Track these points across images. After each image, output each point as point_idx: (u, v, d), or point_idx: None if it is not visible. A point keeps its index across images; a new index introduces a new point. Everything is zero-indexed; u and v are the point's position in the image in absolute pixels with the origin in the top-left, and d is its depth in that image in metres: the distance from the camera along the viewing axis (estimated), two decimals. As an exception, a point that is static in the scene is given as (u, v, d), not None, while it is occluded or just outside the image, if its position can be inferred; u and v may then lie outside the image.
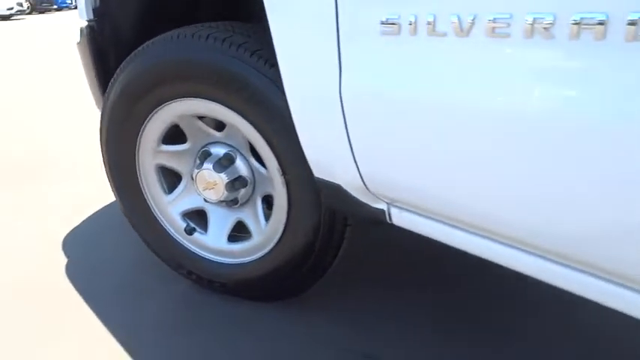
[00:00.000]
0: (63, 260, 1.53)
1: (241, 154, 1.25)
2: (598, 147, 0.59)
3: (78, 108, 2.00)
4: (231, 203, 1.30)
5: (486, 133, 0.69)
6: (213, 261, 1.36)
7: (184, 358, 1.20)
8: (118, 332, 1.28)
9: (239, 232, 1.35)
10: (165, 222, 1.38)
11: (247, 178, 1.26)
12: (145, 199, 1.38)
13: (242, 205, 1.31)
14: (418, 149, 0.78)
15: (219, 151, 1.26)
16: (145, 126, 1.27)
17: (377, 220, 0.95)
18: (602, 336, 1.23)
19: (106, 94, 1.30)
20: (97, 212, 1.73)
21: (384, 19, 0.73)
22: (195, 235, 1.36)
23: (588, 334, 1.24)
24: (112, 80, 1.27)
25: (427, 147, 0.77)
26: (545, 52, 0.58)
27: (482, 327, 1.30)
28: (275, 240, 1.24)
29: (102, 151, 1.38)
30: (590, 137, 0.59)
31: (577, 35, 0.55)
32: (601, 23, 0.53)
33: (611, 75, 0.56)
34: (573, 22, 0.55)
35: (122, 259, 1.54)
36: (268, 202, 1.28)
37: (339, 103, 0.83)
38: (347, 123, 0.84)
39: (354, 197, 0.94)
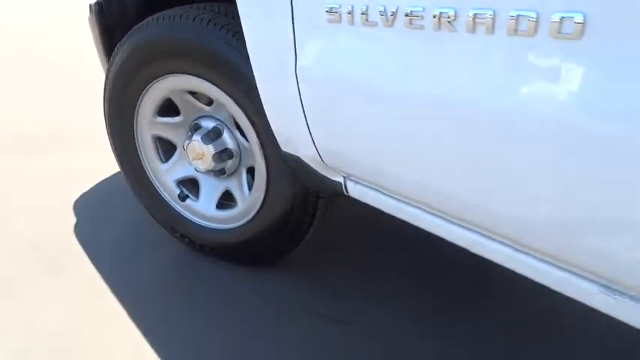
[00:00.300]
0: (72, 220, 1.67)
1: (228, 128, 1.35)
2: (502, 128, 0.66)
3: (91, 81, 2.13)
4: (219, 173, 1.40)
5: (411, 113, 0.76)
6: (203, 226, 1.47)
7: (175, 310, 1.34)
8: (118, 287, 1.41)
9: (227, 201, 1.45)
10: (161, 188, 1.50)
11: (233, 151, 1.36)
12: (143, 167, 1.50)
13: (229, 175, 1.41)
14: (361, 128, 0.86)
15: (208, 124, 1.36)
16: (142, 99, 1.37)
17: (335, 192, 1.04)
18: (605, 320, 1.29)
19: (108, 69, 1.41)
20: (104, 179, 1.87)
21: (328, 8, 0.80)
22: (188, 201, 1.48)
23: (588, 317, 1.29)
24: (112, 56, 1.38)
25: (368, 126, 0.85)
26: (449, 42, 0.65)
27: (451, 300, 1.38)
28: (257, 208, 1.34)
29: (105, 121, 1.50)
30: (493, 122, 0.66)
31: (473, 29, 0.62)
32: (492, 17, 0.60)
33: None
34: (470, 16, 0.62)
35: (124, 222, 1.68)
36: (252, 172, 1.37)
37: (296, 83, 0.91)
38: (302, 102, 0.92)
39: (314, 170, 1.03)
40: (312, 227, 1.33)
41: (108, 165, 1.84)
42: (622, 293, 0.66)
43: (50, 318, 1.30)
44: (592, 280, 0.69)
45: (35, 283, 1.42)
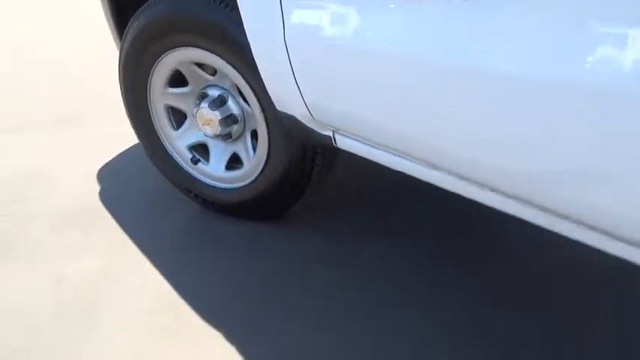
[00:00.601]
0: (96, 186, 1.84)
1: (232, 96, 1.48)
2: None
3: (111, 58, 2.28)
4: (226, 138, 1.54)
5: (389, 70, 0.89)
6: (214, 186, 1.62)
7: (189, 259, 1.50)
8: (139, 241, 1.58)
9: (234, 163, 1.60)
10: (174, 154, 1.65)
11: (238, 116, 1.50)
12: (158, 135, 1.64)
13: (235, 139, 1.55)
14: (343, 86, 0.99)
15: (214, 92, 1.49)
16: (153, 72, 1.51)
17: (326, 145, 1.17)
18: (605, 281, 1.39)
19: (121, 44, 1.54)
20: (125, 150, 2.04)
21: (308, -20, 0.92)
22: (199, 164, 1.62)
23: (587, 275, 1.41)
24: (125, 31, 1.52)
25: (349, 84, 0.97)
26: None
27: (441, 252, 1.52)
28: (260, 167, 1.48)
29: (121, 94, 1.64)
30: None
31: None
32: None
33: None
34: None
35: (143, 185, 1.84)
36: (256, 136, 1.51)
37: (285, 47, 1.04)
38: (292, 65, 1.05)
39: (306, 126, 1.16)
40: (311, 183, 1.47)
41: (128, 136, 2.01)
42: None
43: (78, 269, 1.47)
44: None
45: (64, 240, 1.59)
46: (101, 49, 2.76)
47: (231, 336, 1.27)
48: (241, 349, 1.23)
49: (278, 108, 1.20)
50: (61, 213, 1.71)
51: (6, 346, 1.25)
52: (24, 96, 2.59)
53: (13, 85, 2.73)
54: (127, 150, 2.05)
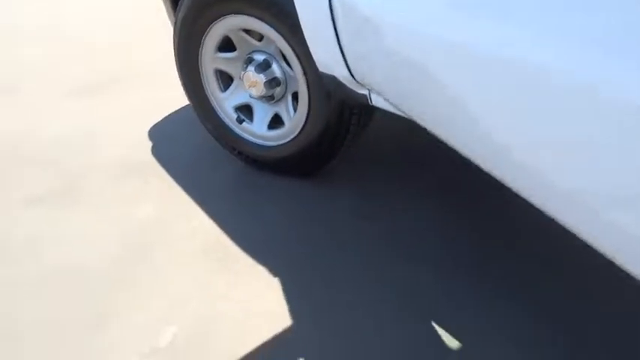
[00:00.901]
0: (149, 143, 2.03)
1: (276, 60, 1.63)
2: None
3: (162, 30, 2.46)
4: (269, 99, 1.70)
5: (431, 42, 1.01)
6: (257, 144, 1.78)
7: (239, 213, 1.69)
8: (191, 193, 1.76)
9: (275, 123, 1.75)
10: (221, 114, 1.81)
11: (281, 79, 1.65)
12: (207, 96, 1.81)
13: (278, 100, 1.71)
14: (383, 51, 1.12)
15: (259, 57, 1.64)
16: (205, 38, 1.67)
17: (362, 103, 1.32)
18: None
19: (176, 14, 1.70)
20: (175, 111, 2.23)
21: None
22: (244, 124, 1.78)
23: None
24: (179, 3, 1.67)
25: (389, 51, 1.10)
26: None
27: (466, 213, 1.66)
28: (300, 126, 1.64)
29: (175, 60, 1.81)
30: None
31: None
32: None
33: None
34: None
35: (192, 144, 2.02)
36: (297, 98, 1.66)
37: (330, 13, 1.17)
38: (337, 28, 1.19)
39: (345, 86, 1.30)
40: (346, 142, 1.62)
41: (175, 101, 2.19)
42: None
43: (136, 216, 1.67)
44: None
45: (121, 189, 1.79)
46: (146, 23, 2.95)
47: (273, 272, 1.45)
48: (283, 283, 1.41)
49: (320, 70, 1.34)
50: (118, 165, 1.90)
51: (77, 283, 1.45)
52: (78, 62, 2.79)
53: (67, 54, 2.93)
54: (174, 112, 2.23)
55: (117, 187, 1.81)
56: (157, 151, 1.99)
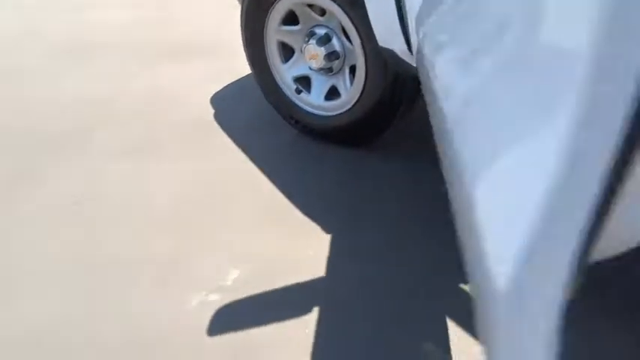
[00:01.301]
0: (211, 110, 2.20)
1: (336, 34, 1.74)
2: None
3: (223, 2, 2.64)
4: (327, 71, 1.81)
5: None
6: (313, 114, 1.91)
7: (297, 174, 1.83)
8: (252, 154, 1.92)
9: (331, 94, 1.87)
10: (282, 84, 1.94)
11: (340, 53, 1.76)
12: (269, 67, 1.94)
13: (335, 73, 1.82)
14: (443, 30, 1.21)
15: (321, 31, 1.75)
16: (271, 11, 1.79)
17: (416, 77, 1.41)
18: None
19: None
20: (237, 79, 2.38)
21: None
22: (302, 94, 1.91)
23: None
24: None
25: (448, 30, 1.19)
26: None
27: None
28: (356, 97, 1.75)
29: (241, 32, 1.94)
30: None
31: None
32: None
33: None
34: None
35: (253, 111, 2.17)
36: (353, 71, 1.77)
37: (394, -8, 1.27)
38: (400, 8, 1.29)
39: (403, 60, 1.40)
40: (399, 113, 1.72)
41: (239, 68, 2.35)
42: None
43: (202, 169, 1.83)
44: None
45: (190, 144, 1.97)
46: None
47: (326, 229, 1.58)
48: (334, 239, 1.54)
49: (380, 44, 1.44)
50: (188, 124, 2.09)
51: (151, 227, 1.63)
52: (148, 36, 2.99)
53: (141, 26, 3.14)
54: (236, 81, 2.39)
55: (186, 142, 1.99)
56: (220, 115, 2.15)
